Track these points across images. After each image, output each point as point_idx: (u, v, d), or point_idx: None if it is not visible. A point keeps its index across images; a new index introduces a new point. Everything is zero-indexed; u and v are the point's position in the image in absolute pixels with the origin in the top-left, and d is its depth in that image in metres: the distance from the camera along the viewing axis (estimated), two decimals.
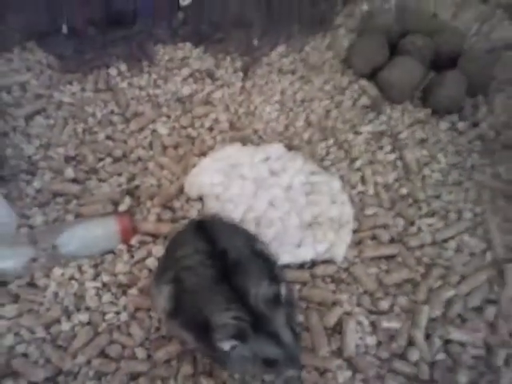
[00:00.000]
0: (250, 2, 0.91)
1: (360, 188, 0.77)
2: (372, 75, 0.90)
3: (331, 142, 0.82)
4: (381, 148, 0.83)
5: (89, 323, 0.63)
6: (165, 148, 0.79)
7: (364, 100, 0.88)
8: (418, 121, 0.86)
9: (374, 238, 0.73)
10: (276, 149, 0.76)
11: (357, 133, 0.84)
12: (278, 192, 0.71)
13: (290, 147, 0.79)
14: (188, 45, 0.92)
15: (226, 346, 0.49)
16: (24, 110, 0.80)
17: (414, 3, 1.00)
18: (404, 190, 0.78)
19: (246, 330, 0.49)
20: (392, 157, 0.81)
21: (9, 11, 0.83)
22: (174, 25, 0.91)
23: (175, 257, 0.57)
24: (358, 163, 0.79)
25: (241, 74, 0.89)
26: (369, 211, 0.75)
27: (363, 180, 0.78)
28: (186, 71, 0.88)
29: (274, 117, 0.84)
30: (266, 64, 0.91)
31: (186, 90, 0.85)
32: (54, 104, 0.81)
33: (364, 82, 0.90)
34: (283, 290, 0.51)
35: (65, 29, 0.86)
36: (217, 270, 0.53)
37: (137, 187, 0.74)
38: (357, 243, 0.71)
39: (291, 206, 0.70)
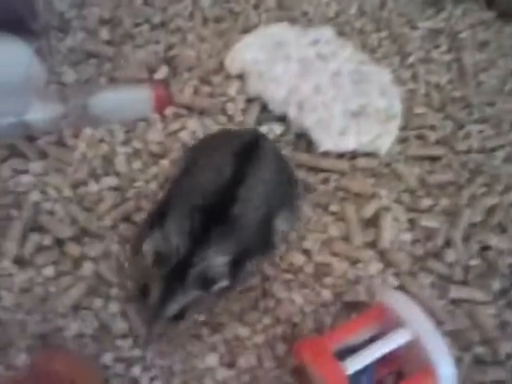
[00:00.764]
0: None
1: (410, 85, 0.73)
2: None
3: (384, 34, 0.77)
4: (437, 47, 0.78)
5: (116, 188, 0.62)
6: (206, 20, 0.74)
7: None
8: (480, 22, 0.81)
9: (420, 137, 0.70)
10: (326, 33, 0.71)
11: (413, 28, 0.79)
12: (325, 77, 0.67)
13: (340, 34, 0.74)
14: None
15: None
16: None
17: None
18: (456, 93, 0.74)
19: None
20: (448, 57, 0.77)
21: None
22: None
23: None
24: (410, 59, 0.75)
25: None
26: (417, 110, 0.71)
27: (414, 78, 0.74)
28: None
29: (324, 1, 0.79)
30: None
31: None
32: None
33: None
34: None
35: None
36: None
37: (174, 57, 0.70)
38: (402, 140, 0.68)
39: (337, 93, 0.66)
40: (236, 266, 0.51)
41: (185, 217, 0.50)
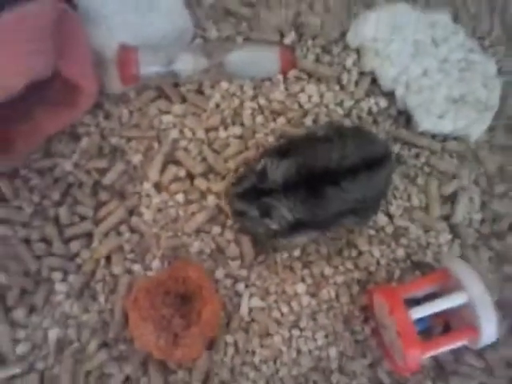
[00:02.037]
0: None
1: (510, 77, 0.78)
2: None
3: (497, 21, 0.80)
4: None
5: (241, 137, 0.73)
6: None
7: None
8: None
9: (508, 128, 0.76)
10: (442, 17, 0.76)
11: None
12: (434, 62, 0.73)
13: (455, 19, 0.78)
14: None
15: None
16: None
17: None
18: None
19: None
20: None
21: None
22: None
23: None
24: None
25: None
26: (511, 101, 0.77)
27: None
28: None
29: None
30: None
31: None
32: None
33: None
34: None
35: None
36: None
37: (302, 24, 0.77)
38: (490, 129, 0.75)
39: (443, 79, 0.73)
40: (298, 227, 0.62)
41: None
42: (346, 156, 0.60)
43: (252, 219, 0.63)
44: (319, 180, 0.60)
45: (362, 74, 0.76)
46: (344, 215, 0.63)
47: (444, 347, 0.62)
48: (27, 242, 0.68)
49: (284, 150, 0.63)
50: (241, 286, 0.68)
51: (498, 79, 0.75)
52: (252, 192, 0.62)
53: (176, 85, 0.74)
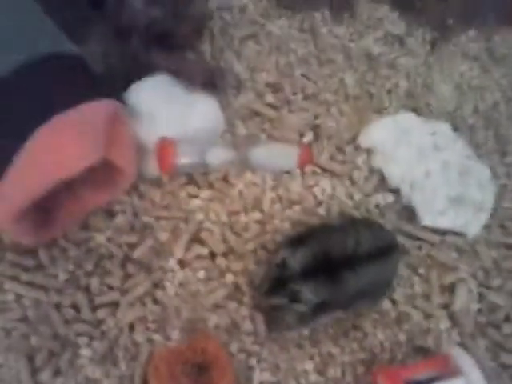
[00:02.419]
0: None
1: (503, 181, 0.88)
2: None
3: (491, 133, 0.91)
4: None
5: (260, 222, 0.81)
6: (347, 97, 0.91)
7: None
8: None
9: (502, 226, 0.84)
10: (443, 127, 0.86)
11: None
12: (436, 165, 0.83)
13: (454, 128, 0.89)
14: (386, 7, 1.00)
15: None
16: (239, 33, 0.94)
17: None
18: None
19: None
20: None
21: None
22: None
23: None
24: (508, 159, 0.89)
25: (428, 47, 0.98)
26: (505, 203, 0.86)
27: (509, 175, 0.88)
28: (379, 32, 0.98)
29: (446, 96, 0.94)
30: (452, 44, 0.99)
31: (375, 50, 0.96)
32: (265, 33, 0.95)
33: None
34: None
35: None
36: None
37: (319, 125, 0.88)
38: (486, 226, 0.83)
39: (444, 180, 0.82)
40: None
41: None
42: (360, 243, 0.68)
43: (283, 307, 0.69)
44: (336, 265, 0.67)
45: (371, 171, 0.85)
46: (360, 297, 0.70)
47: None
48: (58, 307, 0.74)
49: (301, 238, 0.71)
50: (253, 361, 0.73)
51: (492, 183, 0.84)
52: (277, 283, 0.69)
53: (205, 173, 0.83)
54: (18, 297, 0.74)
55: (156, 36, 0.83)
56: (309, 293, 0.67)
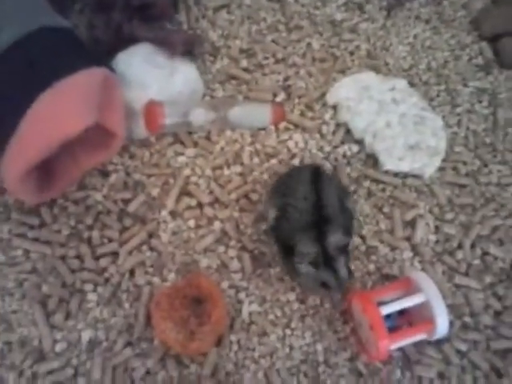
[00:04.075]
0: None
1: (455, 129, 0.98)
2: (492, 40, 1.06)
3: (442, 87, 1.01)
4: (480, 102, 1.02)
5: (241, 174, 0.90)
6: (314, 59, 1.00)
7: (479, 60, 1.05)
8: None
9: (454, 168, 0.94)
10: (401, 83, 0.96)
11: (465, 85, 1.03)
12: (395, 117, 0.93)
13: (410, 84, 0.99)
14: None
15: (302, 268, 0.75)
16: (213, 3, 1.01)
17: None
18: (488, 140, 0.98)
19: (318, 262, 0.74)
20: (486, 111, 1.01)
21: None
22: None
23: (290, 189, 0.79)
24: (458, 109, 1.00)
25: (385, 13, 1.07)
26: (456, 148, 0.96)
27: (459, 123, 0.99)
28: (341, 0, 1.07)
29: (402, 55, 1.03)
30: (407, 9, 1.08)
31: (338, 16, 1.05)
32: (236, 3, 1.02)
33: (484, 45, 1.06)
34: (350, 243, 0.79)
35: None
36: (313, 217, 0.76)
37: (290, 86, 0.97)
38: (440, 169, 0.93)
39: (402, 130, 0.92)
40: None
41: None
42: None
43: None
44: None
45: (338, 125, 0.95)
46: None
47: (408, 339, 0.77)
48: (64, 259, 0.82)
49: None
50: (242, 295, 0.82)
51: (444, 131, 0.94)
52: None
53: (189, 132, 0.91)
54: (26, 252, 0.82)
55: (136, 8, 0.90)
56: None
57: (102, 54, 0.87)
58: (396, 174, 0.93)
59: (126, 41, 0.89)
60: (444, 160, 0.94)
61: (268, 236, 0.84)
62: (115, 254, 0.83)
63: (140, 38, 0.90)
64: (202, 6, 1.00)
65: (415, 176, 0.93)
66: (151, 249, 0.84)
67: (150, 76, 0.86)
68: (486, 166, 0.96)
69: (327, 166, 0.91)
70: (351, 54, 1.02)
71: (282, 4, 1.04)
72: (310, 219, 0.76)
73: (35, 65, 0.74)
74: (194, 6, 0.99)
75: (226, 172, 0.89)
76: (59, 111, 0.73)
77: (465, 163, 0.95)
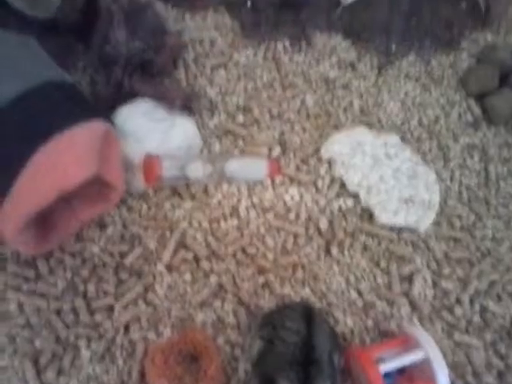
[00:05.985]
0: (394, 15, 1.13)
1: (448, 183, 1.00)
2: (480, 98, 1.10)
3: (434, 143, 1.04)
4: (471, 157, 1.04)
5: (238, 227, 0.90)
6: (308, 115, 1.03)
7: (468, 116, 1.09)
8: (506, 143, 1.07)
9: (449, 222, 0.96)
10: (393, 138, 0.99)
11: (456, 141, 1.06)
12: (389, 171, 0.95)
13: (402, 139, 1.02)
14: (338, 36, 1.13)
15: None
16: (210, 62, 1.05)
17: None
18: (481, 194, 1.00)
19: None
20: (478, 166, 1.03)
21: None
22: (332, 18, 1.13)
23: (280, 323, 0.75)
24: (451, 164, 1.02)
25: (376, 71, 1.11)
26: (450, 202, 0.98)
27: (452, 178, 1.01)
28: (334, 58, 1.10)
29: (394, 112, 1.06)
30: (397, 67, 1.12)
31: (331, 74, 1.08)
32: (233, 62, 1.06)
33: (472, 102, 1.10)
34: None
35: (249, 4, 1.10)
36: (301, 355, 0.72)
37: (284, 141, 0.98)
38: (436, 223, 0.95)
39: (396, 184, 0.94)
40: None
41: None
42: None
43: None
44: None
45: (332, 179, 0.96)
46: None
47: None
48: (59, 313, 0.80)
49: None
50: (238, 351, 0.81)
51: (437, 185, 0.96)
52: None
53: (187, 186, 0.92)
54: (21, 305, 0.80)
55: (137, 65, 0.93)
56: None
57: (103, 108, 0.89)
58: (391, 228, 0.93)
59: (126, 96, 0.91)
60: (439, 214, 0.95)
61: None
62: (111, 308, 0.82)
63: (140, 93, 0.92)
64: (201, 64, 1.03)
65: (411, 230, 0.94)
66: (147, 303, 0.83)
67: (149, 130, 0.88)
68: (480, 220, 0.97)
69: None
70: (344, 110, 1.05)
71: (277, 62, 1.08)
72: (298, 355, 0.72)
73: (37, 117, 0.75)
74: (192, 64, 1.02)
75: (223, 225, 0.90)
76: (59, 163, 0.74)
77: (459, 217, 0.97)
